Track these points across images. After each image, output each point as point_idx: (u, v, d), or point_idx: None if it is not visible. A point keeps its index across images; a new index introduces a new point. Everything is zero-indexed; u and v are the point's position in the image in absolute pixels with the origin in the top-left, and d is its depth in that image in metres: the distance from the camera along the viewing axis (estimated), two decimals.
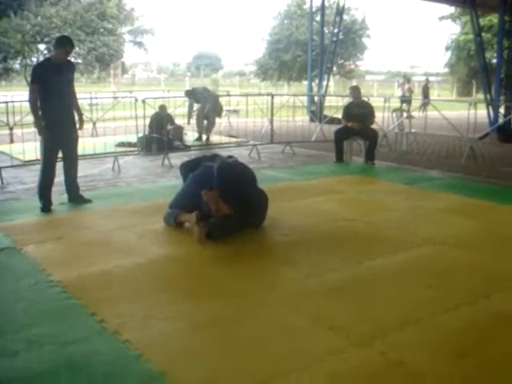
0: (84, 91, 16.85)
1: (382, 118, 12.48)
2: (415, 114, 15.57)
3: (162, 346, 3.26)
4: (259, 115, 13.63)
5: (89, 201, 6.88)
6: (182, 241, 5.34)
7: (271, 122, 11.90)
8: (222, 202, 5.38)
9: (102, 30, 29.43)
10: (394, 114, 13.12)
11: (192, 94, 13.68)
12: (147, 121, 10.79)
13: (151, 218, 6.06)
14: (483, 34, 19.43)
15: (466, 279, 4.42)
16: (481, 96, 37.18)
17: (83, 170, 7.61)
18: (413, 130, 12.85)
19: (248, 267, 4.65)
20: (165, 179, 8.57)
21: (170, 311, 3.72)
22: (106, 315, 3.63)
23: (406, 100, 21.77)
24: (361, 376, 2.99)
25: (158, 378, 2.92)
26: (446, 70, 50.04)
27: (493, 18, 35.21)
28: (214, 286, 4.22)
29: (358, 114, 10.21)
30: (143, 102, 9.91)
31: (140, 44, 34.07)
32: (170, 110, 12.92)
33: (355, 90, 10.82)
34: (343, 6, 20.75)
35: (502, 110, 15.83)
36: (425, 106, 19.65)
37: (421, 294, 4.11)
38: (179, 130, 12.41)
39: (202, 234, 5.22)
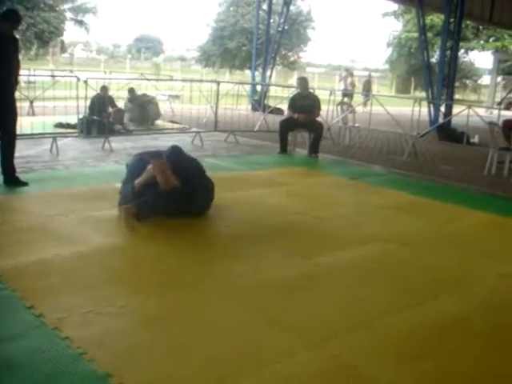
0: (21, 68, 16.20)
1: (326, 111, 12.46)
2: (359, 109, 15.63)
3: (106, 343, 3.06)
4: (203, 102, 13.40)
5: (25, 184, 6.54)
6: (124, 229, 5.10)
7: (216, 109, 11.71)
8: (172, 173, 5.20)
9: (42, 5, 28.52)
10: (339, 108, 13.13)
11: (132, 94, 13.44)
12: (88, 102, 10.44)
13: (91, 203, 5.81)
14: None
15: (415, 279, 4.39)
16: (419, 94, 37.94)
17: (19, 150, 7.23)
18: (356, 125, 12.89)
19: (195, 260, 4.49)
20: (105, 163, 8.28)
21: (115, 306, 3.51)
22: (45, 309, 3.39)
23: (348, 94, 21.89)
24: (314, 379, 2.89)
25: (103, 379, 2.73)
26: (386, 66, 50.83)
27: (434, 18, 35.96)
28: (161, 279, 4.04)
29: (304, 105, 10.14)
30: (85, 82, 9.56)
31: (81, 23, 33.24)
32: (111, 93, 12.56)
33: (303, 81, 10.75)
34: None
35: (442, 109, 16.10)
36: (367, 101, 19.80)
37: (371, 293, 4.06)
38: (120, 114, 12.08)
39: (129, 215, 5.01)
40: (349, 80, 25.39)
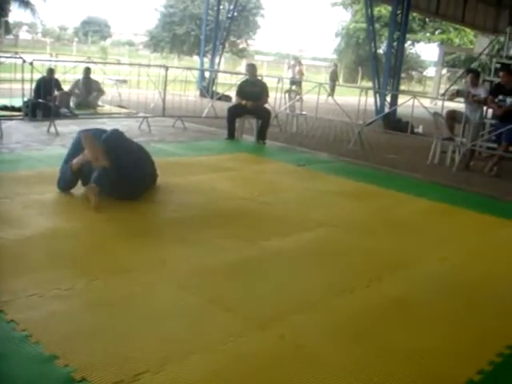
0: None
1: (274, 99, 12.52)
2: (323, 98, 15.76)
3: (51, 326, 3.04)
4: (151, 87, 13.30)
5: None
6: (70, 212, 5.10)
7: (164, 95, 11.63)
8: (103, 153, 5.24)
9: None
10: (287, 95, 13.21)
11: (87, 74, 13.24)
12: (34, 85, 10.23)
13: (36, 187, 5.73)
14: None
15: (360, 262, 4.50)
16: (366, 83, 38.39)
17: None
18: (303, 113, 12.99)
19: (140, 243, 4.49)
20: (50, 147, 8.14)
21: (60, 289, 3.49)
22: None
23: (295, 82, 22.00)
24: (261, 359, 2.94)
25: (48, 361, 2.72)
26: (334, 56, 51.24)
27: (382, 9, 36.39)
28: (106, 262, 4.03)
29: (252, 92, 10.18)
30: (31, 64, 9.37)
31: (27, 4, 32.42)
32: (57, 76, 12.35)
33: (252, 68, 10.78)
34: None
35: (388, 99, 16.35)
36: (333, 90, 20.13)
37: (316, 276, 4.14)
38: (67, 97, 11.89)
39: (94, 194, 5.05)
40: (297, 68, 25.48)
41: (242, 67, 38.09)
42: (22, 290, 3.43)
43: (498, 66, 12.47)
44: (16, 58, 11.03)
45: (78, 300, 3.43)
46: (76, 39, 55.59)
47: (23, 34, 63.88)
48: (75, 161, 5.39)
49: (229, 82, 16.69)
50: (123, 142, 5.69)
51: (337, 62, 31.06)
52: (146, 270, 3.93)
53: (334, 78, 26.49)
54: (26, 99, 9.95)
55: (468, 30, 38.94)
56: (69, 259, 4.04)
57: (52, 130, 9.36)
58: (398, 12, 16.92)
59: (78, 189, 5.57)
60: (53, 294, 3.42)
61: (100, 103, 13.36)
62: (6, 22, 35.87)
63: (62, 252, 4.17)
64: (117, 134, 5.68)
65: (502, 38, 22.58)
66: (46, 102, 10.39)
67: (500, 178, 9.15)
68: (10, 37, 47.86)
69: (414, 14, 34.00)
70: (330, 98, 16.22)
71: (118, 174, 5.26)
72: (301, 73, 25.01)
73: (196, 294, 3.64)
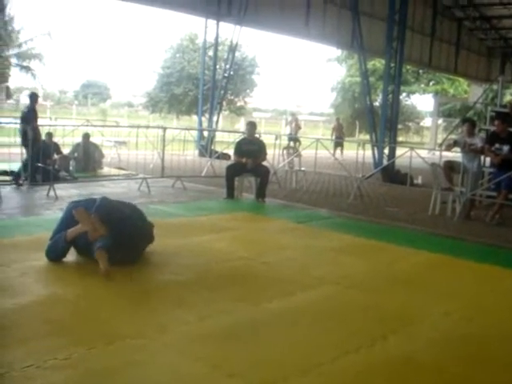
0: None
1: (273, 156, 12.59)
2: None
3: None
4: (149, 148, 13.40)
5: None
6: (67, 279, 5.04)
7: (162, 155, 11.69)
8: (99, 222, 5.23)
9: None
10: (285, 152, 13.29)
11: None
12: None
13: (34, 253, 5.67)
14: None
15: (363, 320, 4.42)
16: (364, 136, 38.71)
17: None
18: (302, 168, 13.04)
19: (139, 308, 4.42)
20: (50, 211, 8.13)
21: (57, 359, 3.41)
22: None
23: (293, 138, 22.14)
24: None
25: None
26: (331, 110, 51.81)
27: (376, 63, 36.99)
28: (104, 329, 3.95)
29: (250, 150, 10.23)
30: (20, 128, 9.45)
31: (27, 69, 32.98)
32: (56, 139, 12.45)
33: (251, 126, 10.84)
34: (236, 43, 21.02)
35: (386, 151, 16.45)
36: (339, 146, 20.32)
37: (320, 337, 4.06)
38: (66, 160, 11.96)
39: (104, 260, 5.00)
40: (293, 124, 25.59)
41: (240, 124, 38.52)
42: (18, 361, 3.35)
43: (493, 114, 12.58)
44: (16, 123, 11.16)
45: (75, 370, 3.34)
46: (76, 102, 56.35)
47: (24, 99, 64.69)
48: (71, 230, 5.35)
49: (227, 140, 16.82)
50: (114, 208, 5.65)
51: (338, 117, 31.19)
52: (144, 337, 3.85)
53: (339, 133, 25.32)
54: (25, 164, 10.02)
55: (462, 79, 39.51)
56: (65, 327, 3.96)
57: (51, 193, 9.37)
58: (392, 65, 17.19)
59: (71, 254, 5.52)
60: (50, 365, 3.34)
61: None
62: (7, 88, 36.41)
63: (58, 320, 4.09)
64: (106, 202, 5.66)
65: (495, 87, 22.89)
66: (45, 165, 10.44)
67: (502, 226, 9.13)
68: (12, 101, 48.51)
69: (408, 67, 34.60)
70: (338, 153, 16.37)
71: (113, 241, 5.23)
72: (297, 127, 24.98)
73: (197, 360, 3.56)
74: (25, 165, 10.04)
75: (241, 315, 4.38)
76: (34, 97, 11.41)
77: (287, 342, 3.93)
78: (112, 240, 5.22)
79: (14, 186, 9.92)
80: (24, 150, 9.46)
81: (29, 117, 10.73)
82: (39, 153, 10.11)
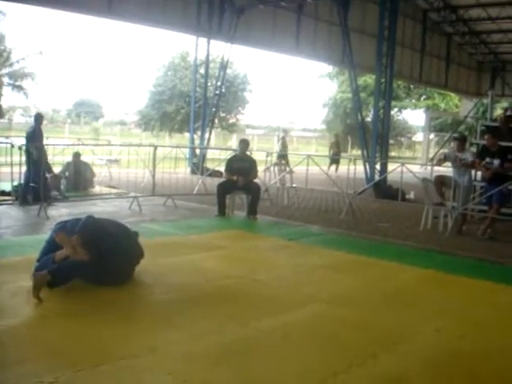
0: None
1: (264, 172, 12.59)
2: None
3: None
4: (141, 166, 13.38)
5: None
6: (58, 300, 4.98)
7: (153, 173, 11.67)
8: (80, 246, 5.16)
9: None
10: (276, 168, 13.28)
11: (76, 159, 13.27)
12: (24, 168, 10.28)
13: (25, 274, 5.57)
14: None
15: (354, 339, 4.38)
16: (356, 152, 38.78)
17: None
18: (294, 185, 13.03)
19: (129, 329, 4.38)
20: (41, 232, 8.08)
21: (43, 382, 3.36)
22: None
23: (282, 155, 22.11)
24: None
25: None
26: (323, 126, 51.92)
27: (367, 79, 37.14)
28: (92, 350, 3.90)
29: (241, 167, 10.22)
30: (20, 148, 9.43)
31: (19, 88, 33.06)
32: (48, 158, 12.40)
33: (244, 144, 10.83)
34: (227, 61, 21.09)
35: (377, 167, 16.46)
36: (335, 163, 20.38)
37: (310, 356, 4.01)
38: (57, 180, 11.92)
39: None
40: (280, 142, 25.38)
41: (232, 142, 38.55)
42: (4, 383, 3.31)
43: (484, 128, 12.62)
44: (6, 143, 11.14)
45: None
46: (69, 120, 56.37)
47: (17, 118, 64.64)
48: (58, 253, 5.30)
49: (219, 158, 16.82)
50: (99, 228, 5.54)
51: (337, 133, 31.19)
52: (133, 358, 3.81)
53: (336, 150, 24.93)
54: (15, 183, 9.98)
55: (452, 94, 39.72)
56: (53, 349, 3.92)
57: (42, 213, 9.32)
58: (382, 81, 17.24)
59: None
60: None
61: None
62: None
63: (46, 342, 4.05)
64: (90, 222, 5.54)
65: (485, 101, 23.00)
66: (36, 185, 10.39)
67: (494, 240, 9.13)
68: (4, 120, 48.46)
69: (399, 82, 34.76)
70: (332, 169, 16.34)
71: (99, 263, 5.18)
72: (284, 145, 24.75)
73: (185, 381, 3.51)
74: (25, 183, 10.07)
75: (231, 335, 4.34)
76: (38, 117, 11.85)
77: (276, 362, 3.89)
78: (94, 264, 5.17)
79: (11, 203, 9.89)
80: (15, 170, 9.45)
81: (33, 136, 11.11)
82: (40, 173, 10.08)
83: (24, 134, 11.97)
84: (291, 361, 3.92)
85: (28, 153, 10.28)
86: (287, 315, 4.86)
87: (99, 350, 3.92)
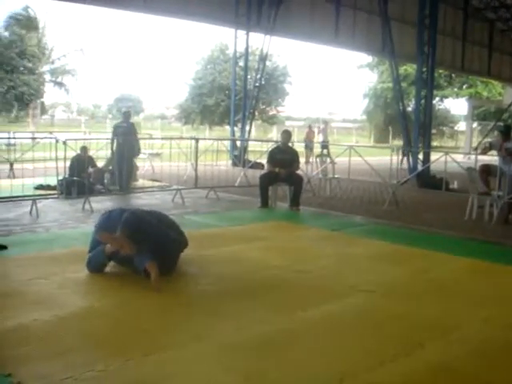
0: (1, 130, 16.24)
1: (306, 164, 12.56)
2: None
3: None
4: (182, 159, 13.48)
5: (4, 247, 6.46)
6: (105, 290, 5.08)
7: (195, 166, 11.75)
8: (126, 240, 5.24)
9: (22, 68, 28.95)
10: (318, 160, 13.24)
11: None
12: (68, 163, 10.46)
13: (72, 266, 5.75)
14: None
15: (400, 328, 4.35)
16: (397, 142, 38.41)
17: None
18: (336, 176, 12.98)
19: (176, 319, 4.43)
20: (85, 224, 8.21)
21: (94, 370, 3.43)
22: (24, 376, 3.31)
23: (325, 145, 22.10)
24: None
25: None
26: (364, 116, 51.58)
27: (408, 68, 36.71)
28: (140, 340, 3.97)
29: (283, 159, 10.21)
30: (64, 143, 9.60)
31: (61, 84, 33.65)
32: (91, 152, 12.60)
33: (286, 135, 10.82)
34: (267, 53, 21.05)
35: (420, 156, 16.28)
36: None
37: (355, 346, 4.00)
38: (101, 173, 12.09)
39: (154, 271, 5.05)
40: (322, 131, 25.24)
41: (273, 134, 38.52)
42: (55, 373, 3.38)
43: None
44: (50, 138, 11.34)
45: (112, 382, 3.36)
46: (110, 116, 57.06)
47: (59, 114, 65.89)
48: (108, 246, 5.40)
49: (260, 150, 16.83)
50: (141, 221, 5.59)
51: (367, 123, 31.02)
52: (180, 348, 3.86)
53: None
54: (60, 178, 10.15)
55: (495, 82, 38.98)
56: (102, 339, 3.99)
57: (87, 207, 9.48)
58: (424, 70, 17.03)
59: (109, 265, 5.57)
60: (87, 377, 3.36)
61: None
62: (42, 103, 37.12)
63: (95, 332, 4.13)
64: (133, 217, 5.57)
65: None
66: (80, 179, 10.56)
67: None
68: (47, 117, 49.37)
69: (440, 71, 34.26)
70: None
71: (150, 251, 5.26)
72: (312, 136, 24.30)
73: (230, 370, 3.54)
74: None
75: (275, 325, 4.35)
76: (127, 114, 13.24)
77: (321, 352, 3.88)
78: (148, 251, 5.24)
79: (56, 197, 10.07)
80: (59, 165, 9.64)
81: (128, 133, 12.34)
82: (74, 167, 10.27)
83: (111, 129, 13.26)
84: (335, 351, 3.91)
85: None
86: (332, 305, 4.85)
87: (147, 340, 3.98)
